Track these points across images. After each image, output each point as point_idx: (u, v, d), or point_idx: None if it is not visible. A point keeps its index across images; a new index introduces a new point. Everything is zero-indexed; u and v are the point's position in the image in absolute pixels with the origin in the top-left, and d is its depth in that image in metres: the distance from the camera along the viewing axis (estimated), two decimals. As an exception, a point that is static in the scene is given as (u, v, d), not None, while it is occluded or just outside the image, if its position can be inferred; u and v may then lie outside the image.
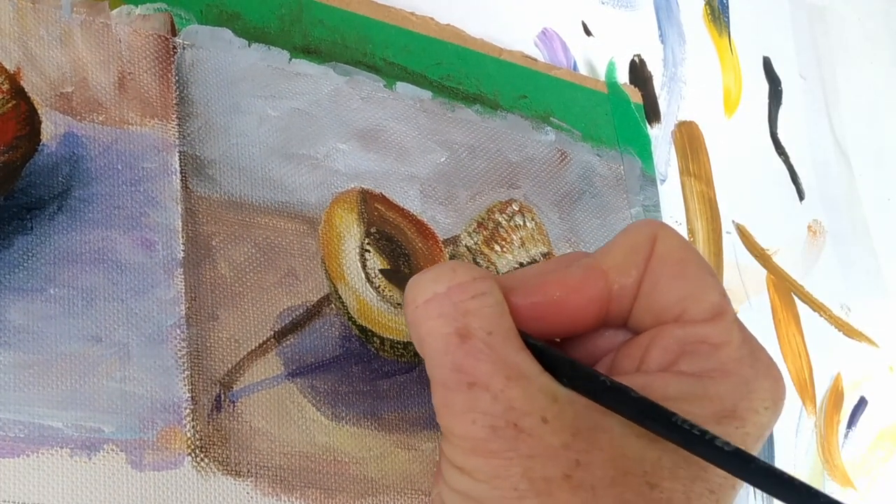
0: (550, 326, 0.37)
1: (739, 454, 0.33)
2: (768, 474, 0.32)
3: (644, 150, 0.59)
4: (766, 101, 0.69)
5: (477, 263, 0.50)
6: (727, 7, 0.69)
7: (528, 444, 0.34)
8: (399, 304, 0.47)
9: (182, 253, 0.43)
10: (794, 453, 0.62)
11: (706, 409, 0.35)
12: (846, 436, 0.65)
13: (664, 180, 0.61)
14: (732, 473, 0.33)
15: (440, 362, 0.35)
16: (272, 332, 0.44)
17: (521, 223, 0.52)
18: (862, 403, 0.66)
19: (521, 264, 0.51)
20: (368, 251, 0.47)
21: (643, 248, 0.37)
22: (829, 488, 0.63)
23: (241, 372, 0.43)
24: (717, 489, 0.36)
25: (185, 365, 0.42)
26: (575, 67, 0.60)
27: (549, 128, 0.55)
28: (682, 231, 0.62)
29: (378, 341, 0.46)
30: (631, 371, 0.37)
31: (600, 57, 0.61)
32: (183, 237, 0.43)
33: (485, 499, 0.34)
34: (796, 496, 0.32)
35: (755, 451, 0.37)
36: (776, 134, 0.69)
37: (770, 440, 0.61)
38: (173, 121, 0.45)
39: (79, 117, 0.43)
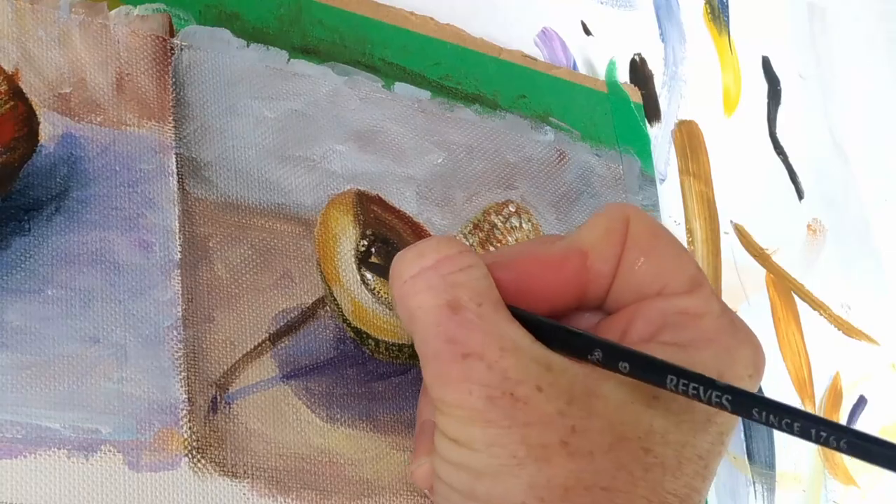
0: (529, 304, 0.38)
1: (743, 393, 0.33)
2: (774, 407, 0.33)
3: (643, 149, 0.59)
4: (765, 100, 0.69)
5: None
6: (727, 6, 0.69)
7: (525, 412, 0.34)
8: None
9: (179, 254, 0.43)
10: (794, 452, 0.62)
11: None
12: (846, 434, 0.65)
13: (664, 180, 0.61)
14: (739, 413, 0.34)
15: (432, 335, 0.36)
16: (267, 335, 0.44)
17: (518, 224, 0.52)
18: (861, 402, 0.66)
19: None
20: (364, 253, 0.47)
21: (618, 229, 0.39)
22: (832, 486, 0.63)
23: (237, 374, 0.43)
24: (705, 455, 0.37)
25: (182, 366, 0.42)
26: (575, 67, 0.60)
27: (548, 127, 0.56)
28: (681, 231, 0.62)
29: (373, 343, 0.46)
30: None
31: (600, 56, 0.61)
32: (180, 238, 0.43)
33: (483, 468, 0.35)
34: (806, 423, 0.33)
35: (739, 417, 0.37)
36: (775, 133, 0.69)
37: (770, 439, 0.61)
38: (170, 123, 0.45)
39: (77, 118, 0.43)
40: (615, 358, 0.35)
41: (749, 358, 0.38)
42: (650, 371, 0.35)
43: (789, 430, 0.34)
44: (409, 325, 0.37)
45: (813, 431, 0.33)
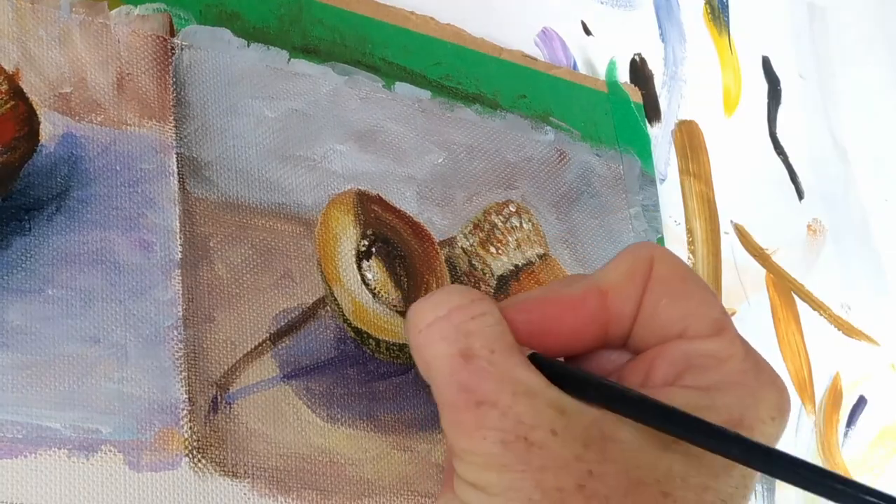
0: (549, 345, 0.38)
1: (775, 452, 0.33)
2: (793, 465, 0.33)
3: (644, 149, 0.59)
4: (765, 100, 0.69)
5: (472, 265, 0.50)
6: (727, 6, 0.69)
7: (540, 456, 0.35)
8: (394, 307, 0.47)
9: (179, 254, 0.43)
10: (794, 452, 0.62)
11: (713, 419, 0.36)
12: (846, 434, 0.65)
13: (664, 180, 0.61)
14: (756, 468, 0.34)
15: (447, 384, 0.36)
16: (268, 334, 0.44)
17: (518, 224, 0.52)
18: (861, 402, 0.66)
19: (517, 266, 0.51)
20: (364, 253, 0.47)
21: (641, 269, 0.39)
22: (830, 486, 0.63)
23: (238, 374, 0.43)
24: (728, 498, 0.36)
25: (182, 366, 0.42)
26: (575, 67, 0.60)
27: (548, 127, 0.56)
28: (681, 231, 0.62)
29: (373, 343, 0.46)
30: (636, 386, 0.38)
31: (600, 56, 0.61)
32: (180, 238, 0.43)
33: None
34: (819, 482, 0.32)
35: None
36: (775, 133, 0.69)
37: (770, 439, 0.61)
38: (170, 122, 0.45)
39: (77, 118, 0.43)
40: (634, 408, 0.35)
41: (773, 401, 0.38)
42: (667, 420, 0.35)
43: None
44: (425, 374, 0.38)
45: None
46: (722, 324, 0.38)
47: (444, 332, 0.36)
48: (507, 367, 0.36)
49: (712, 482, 0.36)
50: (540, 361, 0.37)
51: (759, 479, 0.39)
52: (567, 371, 0.37)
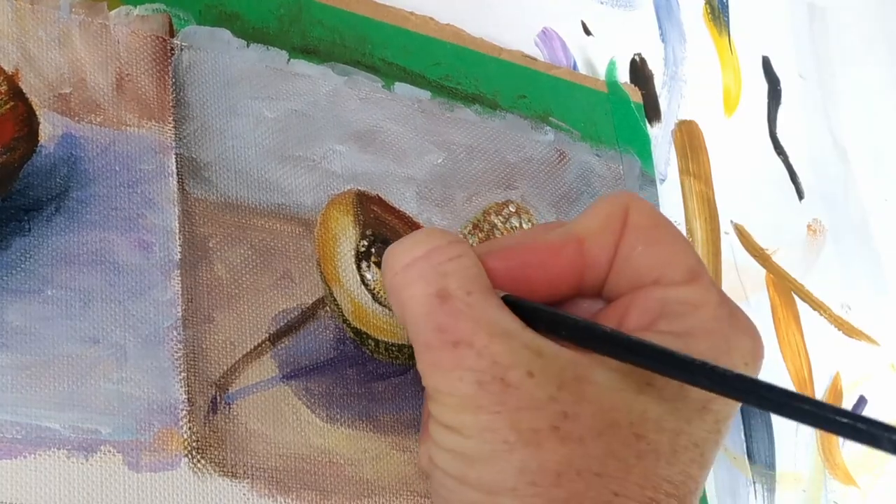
0: (525, 292, 0.38)
1: (742, 378, 0.33)
2: (772, 392, 0.33)
3: (644, 149, 0.59)
4: (765, 100, 0.69)
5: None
6: (727, 6, 0.69)
7: (515, 397, 0.35)
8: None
9: (179, 254, 0.43)
10: (794, 452, 0.62)
11: None
12: (846, 434, 0.65)
13: (664, 180, 0.61)
14: (735, 398, 0.34)
15: (423, 324, 0.36)
16: (267, 335, 0.44)
17: (518, 225, 0.52)
18: (861, 402, 0.66)
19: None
20: (364, 253, 0.47)
21: (617, 217, 0.39)
22: (831, 486, 0.63)
23: (237, 374, 0.43)
24: (700, 442, 0.37)
25: (182, 367, 0.42)
26: (575, 67, 0.60)
27: (548, 127, 0.56)
28: (681, 231, 0.62)
29: (372, 344, 0.46)
30: None
31: (600, 56, 0.61)
32: (180, 239, 0.43)
33: (475, 453, 0.35)
34: (800, 411, 0.32)
35: (737, 406, 0.37)
36: (775, 133, 0.69)
37: (770, 439, 0.61)
38: (170, 123, 0.45)
39: (77, 118, 0.43)
40: (612, 344, 0.35)
41: (746, 348, 0.38)
42: (646, 357, 0.35)
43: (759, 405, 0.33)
44: (401, 315, 0.37)
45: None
46: (696, 271, 0.38)
47: (421, 273, 0.36)
48: (484, 307, 0.36)
49: (685, 426, 0.36)
50: (513, 303, 0.37)
51: (731, 426, 0.38)
52: (540, 311, 0.37)
